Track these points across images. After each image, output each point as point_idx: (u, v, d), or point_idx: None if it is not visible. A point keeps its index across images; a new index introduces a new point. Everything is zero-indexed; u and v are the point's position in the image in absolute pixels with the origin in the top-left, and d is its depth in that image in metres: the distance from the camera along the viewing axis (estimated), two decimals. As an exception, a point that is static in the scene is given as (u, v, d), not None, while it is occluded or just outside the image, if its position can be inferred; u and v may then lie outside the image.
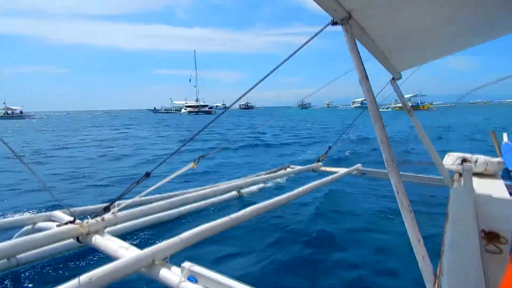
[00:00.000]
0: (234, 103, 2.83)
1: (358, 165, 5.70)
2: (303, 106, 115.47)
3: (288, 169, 5.99)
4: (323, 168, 5.86)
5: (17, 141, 18.59)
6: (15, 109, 72.53)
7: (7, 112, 70.46)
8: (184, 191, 4.32)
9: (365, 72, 1.80)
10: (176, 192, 4.24)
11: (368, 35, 2.21)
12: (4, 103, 72.83)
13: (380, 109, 1.82)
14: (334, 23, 1.83)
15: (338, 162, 8.77)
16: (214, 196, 4.04)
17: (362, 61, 1.83)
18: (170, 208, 3.52)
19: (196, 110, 75.91)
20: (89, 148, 15.17)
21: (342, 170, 5.41)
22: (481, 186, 3.72)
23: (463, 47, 3.32)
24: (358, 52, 1.82)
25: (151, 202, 3.79)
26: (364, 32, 2.14)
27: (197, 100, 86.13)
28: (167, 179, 2.83)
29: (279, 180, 6.34)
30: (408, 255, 1.93)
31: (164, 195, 4.03)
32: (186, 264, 1.93)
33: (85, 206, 3.34)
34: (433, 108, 63.69)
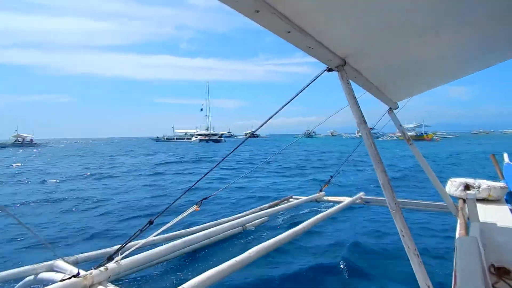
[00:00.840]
0: (254, 131, 2.85)
1: (361, 194, 5.67)
2: (309, 135, 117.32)
3: (291, 200, 5.95)
4: (326, 198, 5.83)
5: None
6: (26, 137, 72.35)
7: (18, 139, 70.13)
8: (188, 229, 4.29)
9: (363, 116, 1.85)
10: (179, 232, 4.20)
11: (362, 76, 2.29)
12: (16, 131, 72.14)
13: (384, 139, 1.85)
14: (329, 69, 1.89)
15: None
16: (219, 233, 4.00)
17: (359, 106, 1.88)
18: (174, 251, 3.48)
19: (206, 138, 79.11)
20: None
21: (345, 200, 5.38)
22: (486, 213, 3.69)
23: (459, 76, 3.40)
24: (355, 96, 1.88)
25: (155, 244, 3.77)
26: (359, 73, 2.21)
27: (207, 129, 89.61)
28: (170, 223, 2.82)
29: (282, 212, 6.29)
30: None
31: (167, 235, 4.00)
32: None
33: (88, 252, 3.31)
34: (437, 138, 64.27)
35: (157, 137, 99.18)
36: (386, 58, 2.21)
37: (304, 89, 2.03)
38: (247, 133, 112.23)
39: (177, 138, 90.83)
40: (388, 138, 63.48)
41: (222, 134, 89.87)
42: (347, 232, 5.72)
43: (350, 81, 1.94)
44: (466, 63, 2.94)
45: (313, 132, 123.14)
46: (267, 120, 2.25)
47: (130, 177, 15.41)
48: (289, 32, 1.31)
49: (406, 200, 5.23)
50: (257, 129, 2.44)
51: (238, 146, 2.75)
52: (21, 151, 49.16)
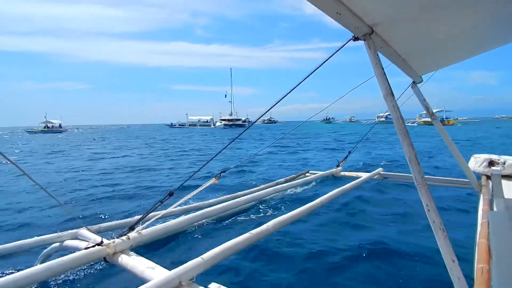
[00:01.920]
0: (264, 114, 2.83)
1: (379, 169, 5.60)
2: (327, 120, 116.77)
3: (308, 175, 5.95)
4: (343, 173, 5.80)
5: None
6: (55, 123, 73.93)
7: (47, 125, 71.83)
8: (205, 202, 4.36)
9: (390, 87, 1.77)
10: (197, 204, 4.29)
11: (390, 46, 2.18)
12: (45, 117, 73.69)
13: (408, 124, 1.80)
14: (355, 38, 1.80)
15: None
16: (235, 207, 4.07)
17: (386, 77, 1.79)
18: (192, 223, 3.56)
19: (230, 123, 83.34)
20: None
21: (363, 175, 5.33)
22: (511, 190, 3.58)
23: (490, 48, 3.23)
24: (382, 67, 1.79)
25: (174, 216, 3.86)
26: (386, 43, 2.10)
27: (231, 114, 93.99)
28: (189, 195, 2.88)
29: (298, 187, 6.30)
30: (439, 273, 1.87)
31: (186, 207, 4.08)
32: (214, 285, 1.94)
33: (110, 222, 3.41)
34: (459, 124, 62.98)
35: (172, 124, 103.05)
36: (416, 27, 2.09)
37: (329, 58, 1.95)
38: (266, 120, 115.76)
39: (189, 125, 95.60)
40: (410, 124, 62.47)
41: (246, 119, 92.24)
42: (363, 208, 5.70)
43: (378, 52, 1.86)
44: (498, 34, 2.77)
45: (332, 118, 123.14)
46: (289, 92, 2.18)
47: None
48: None
49: (428, 176, 5.14)
50: (281, 100, 2.36)
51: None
52: (60, 136, 51.54)
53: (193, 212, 3.53)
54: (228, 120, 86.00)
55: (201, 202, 4.36)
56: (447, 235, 1.67)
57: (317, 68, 1.99)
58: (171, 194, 2.72)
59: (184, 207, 4.07)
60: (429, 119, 4.00)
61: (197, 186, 2.94)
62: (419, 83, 3.76)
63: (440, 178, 5.07)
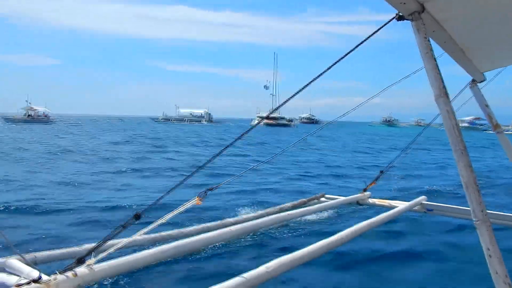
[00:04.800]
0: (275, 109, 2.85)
1: (422, 198, 5.59)
2: (389, 123, 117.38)
3: (323, 200, 5.92)
4: (371, 200, 5.78)
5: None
6: (39, 110, 73.50)
7: (29, 113, 71.02)
8: (182, 230, 4.33)
9: (445, 86, 1.78)
10: (172, 232, 4.24)
11: (445, 31, 2.20)
12: (28, 102, 72.67)
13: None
14: (400, 17, 1.83)
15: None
16: (223, 238, 4.04)
17: (439, 71, 1.81)
18: (164, 258, 3.53)
19: (274, 122, 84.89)
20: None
21: (399, 204, 5.31)
22: None
23: None
24: (435, 58, 1.81)
25: (140, 246, 3.83)
26: (441, 27, 2.12)
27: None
28: (162, 219, 2.85)
29: (309, 216, 6.28)
30: None
31: (156, 235, 4.04)
32: None
33: (51, 250, 3.38)
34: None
35: (158, 118, 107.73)
36: (481, 7, 2.11)
37: (365, 40, 1.98)
38: (304, 118, 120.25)
39: (175, 120, 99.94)
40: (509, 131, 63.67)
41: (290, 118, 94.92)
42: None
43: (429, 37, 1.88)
44: None
45: (395, 119, 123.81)
46: (323, 73, 2.21)
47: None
48: None
49: (491, 212, 5.10)
50: (304, 88, 2.39)
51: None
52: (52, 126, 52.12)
53: (166, 243, 3.49)
54: (271, 118, 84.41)
55: (178, 230, 4.31)
56: None
57: (349, 52, 2.02)
58: (137, 217, 2.71)
59: (154, 235, 4.01)
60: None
61: (174, 207, 2.93)
62: (480, 82, 3.79)
63: (509, 215, 5.05)
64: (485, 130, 67.58)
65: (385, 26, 2.00)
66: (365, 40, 2.07)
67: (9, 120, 67.25)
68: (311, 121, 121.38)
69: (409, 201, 5.53)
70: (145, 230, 2.91)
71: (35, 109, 72.97)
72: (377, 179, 5.98)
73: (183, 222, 5.50)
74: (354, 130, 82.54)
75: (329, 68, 2.20)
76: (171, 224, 4.44)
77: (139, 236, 3.10)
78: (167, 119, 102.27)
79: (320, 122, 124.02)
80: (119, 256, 3.00)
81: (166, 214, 2.87)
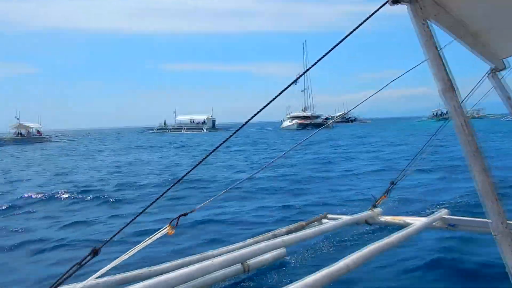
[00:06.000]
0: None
1: (443, 211, 5.53)
2: (441, 116, 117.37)
3: (325, 221, 5.87)
4: (383, 218, 5.75)
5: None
6: (31, 127, 72.69)
7: (20, 132, 70.06)
8: (153, 268, 4.23)
9: (450, 78, 1.73)
10: (140, 271, 4.15)
11: (448, 12, 2.18)
12: (17, 118, 71.55)
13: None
14: (395, 0, 1.81)
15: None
16: (204, 274, 3.95)
17: (444, 61, 1.75)
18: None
19: (307, 122, 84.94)
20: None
21: (415, 221, 5.26)
22: None
23: None
24: (436, 46, 1.76)
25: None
26: (443, 9, 2.13)
27: (305, 109, 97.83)
28: (126, 255, 2.79)
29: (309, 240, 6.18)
30: None
31: (120, 276, 3.94)
32: None
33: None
34: None
35: (147, 129, 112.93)
36: None
37: (356, 28, 1.94)
38: (339, 115, 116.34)
39: (172, 129, 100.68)
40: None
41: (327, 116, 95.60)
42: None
43: (429, 21, 1.91)
44: None
45: (445, 113, 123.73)
46: (307, 70, 2.12)
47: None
48: None
49: None
50: (297, 79, 2.37)
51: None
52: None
53: (133, 284, 3.38)
54: (303, 117, 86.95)
55: (147, 268, 4.22)
56: None
57: (341, 41, 2.05)
58: (95, 252, 2.62)
59: (117, 277, 3.92)
60: None
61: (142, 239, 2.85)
62: (501, 70, 3.77)
63: None
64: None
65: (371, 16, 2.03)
66: (352, 32, 2.11)
67: None
68: (346, 120, 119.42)
69: (427, 215, 5.47)
70: (106, 269, 2.80)
71: (28, 126, 72.20)
72: (387, 191, 5.94)
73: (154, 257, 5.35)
74: (404, 127, 79.98)
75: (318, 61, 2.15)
76: (140, 260, 4.35)
77: (97, 278, 2.99)
78: (163, 129, 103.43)
79: (357, 120, 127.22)
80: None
81: (131, 248, 2.80)
